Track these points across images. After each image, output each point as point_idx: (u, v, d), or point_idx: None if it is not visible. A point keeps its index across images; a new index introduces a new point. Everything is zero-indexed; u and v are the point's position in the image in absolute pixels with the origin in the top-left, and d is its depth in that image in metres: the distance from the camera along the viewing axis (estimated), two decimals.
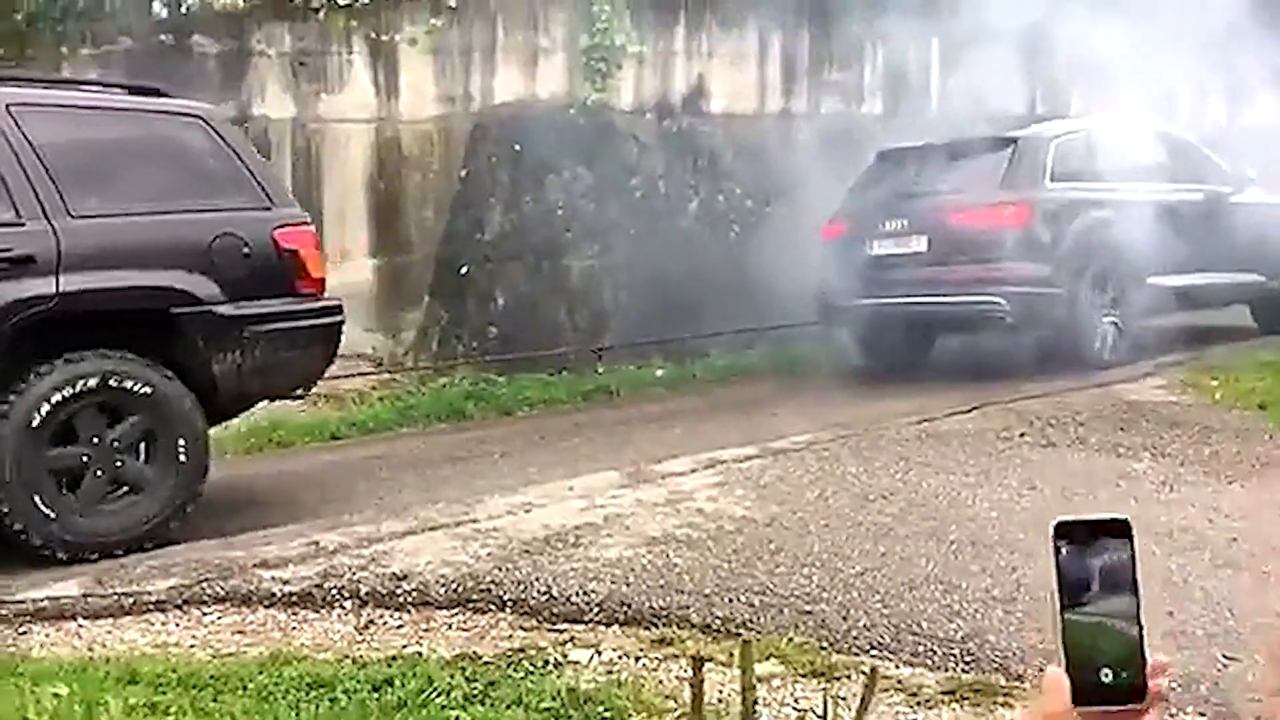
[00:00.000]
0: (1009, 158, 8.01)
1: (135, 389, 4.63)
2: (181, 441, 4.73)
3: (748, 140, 10.33)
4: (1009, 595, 3.65)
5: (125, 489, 4.68)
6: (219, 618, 3.75)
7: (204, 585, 3.95)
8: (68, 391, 4.50)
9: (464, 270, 9.18)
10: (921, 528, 4.34)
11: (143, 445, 4.73)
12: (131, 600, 3.87)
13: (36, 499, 4.42)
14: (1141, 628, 1.08)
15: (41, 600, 3.90)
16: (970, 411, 6.60)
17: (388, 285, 9.15)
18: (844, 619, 3.55)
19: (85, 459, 4.59)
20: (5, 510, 4.38)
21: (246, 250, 4.96)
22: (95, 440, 4.60)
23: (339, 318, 5.33)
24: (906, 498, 4.79)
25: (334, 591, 3.89)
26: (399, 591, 3.87)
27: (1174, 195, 8.46)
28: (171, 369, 4.76)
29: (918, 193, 8.18)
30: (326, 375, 8.43)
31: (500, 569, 4.02)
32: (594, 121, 9.59)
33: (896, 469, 5.29)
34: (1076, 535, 1.13)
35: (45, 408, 4.46)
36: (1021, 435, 5.93)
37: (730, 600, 3.69)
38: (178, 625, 3.70)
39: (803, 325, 9.03)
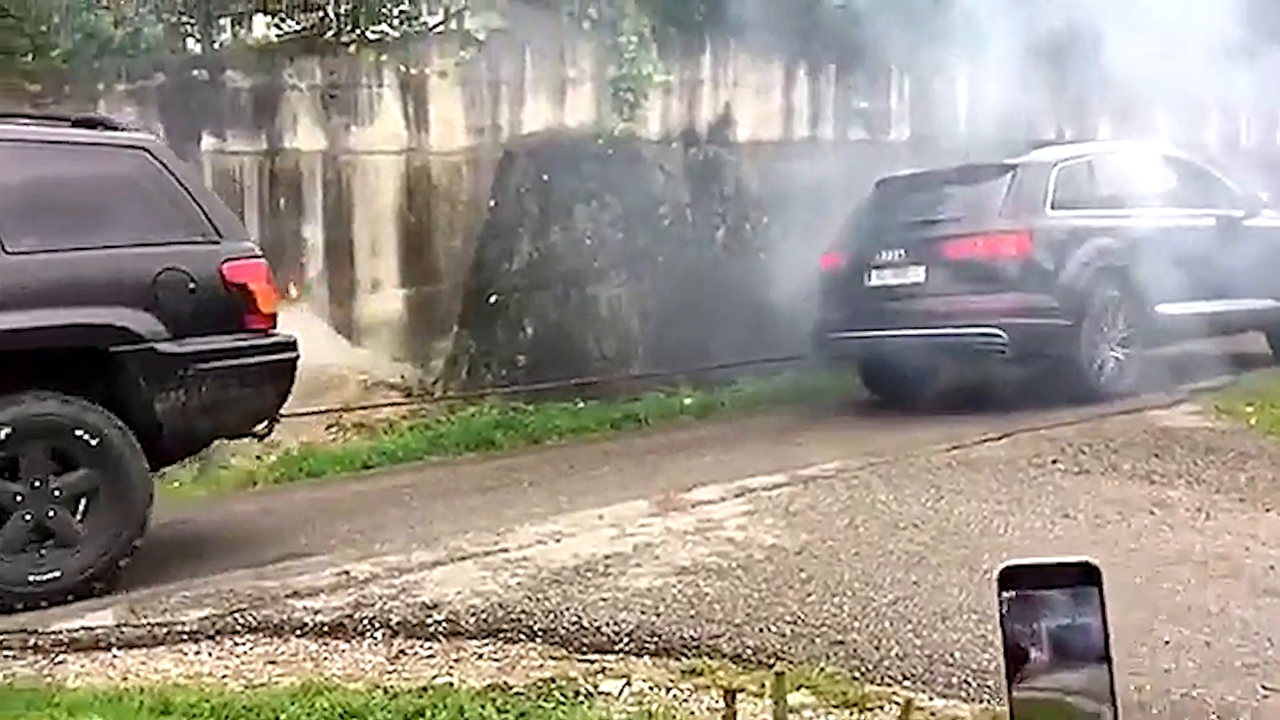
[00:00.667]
0: (1008, 185, 7.85)
1: (73, 434, 4.46)
2: (119, 495, 4.55)
3: (774, 168, 10.35)
4: None
5: (51, 540, 4.46)
6: (251, 648, 3.77)
7: (237, 615, 3.98)
8: (3, 433, 4.34)
9: (493, 299, 9.23)
10: (954, 556, 4.31)
11: (79, 497, 4.54)
12: (165, 630, 3.90)
13: None
14: (1116, 708, 0.84)
15: (76, 630, 3.94)
16: (1001, 439, 6.56)
17: (417, 315, 9.20)
18: (876, 649, 3.52)
19: (18, 499, 4.41)
20: None
21: (192, 285, 4.82)
22: (35, 484, 4.42)
23: (292, 354, 5.15)
24: (938, 526, 4.76)
25: (365, 621, 3.90)
26: (430, 621, 3.88)
27: (1183, 220, 8.30)
28: (113, 409, 4.61)
29: (915, 222, 8.05)
30: (358, 404, 8.61)
31: (530, 599, 4.02)
32: (621, 151, 9.64)
33: (927, 497, 5.27)
34: (1026, 583, 0.86)
35: None
36: (1054, 462, 5.89)
37: (761, 630, 3.67)
38: (210, 655, 3.73)
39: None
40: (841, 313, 8.28)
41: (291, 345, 5.16)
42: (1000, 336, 7.47)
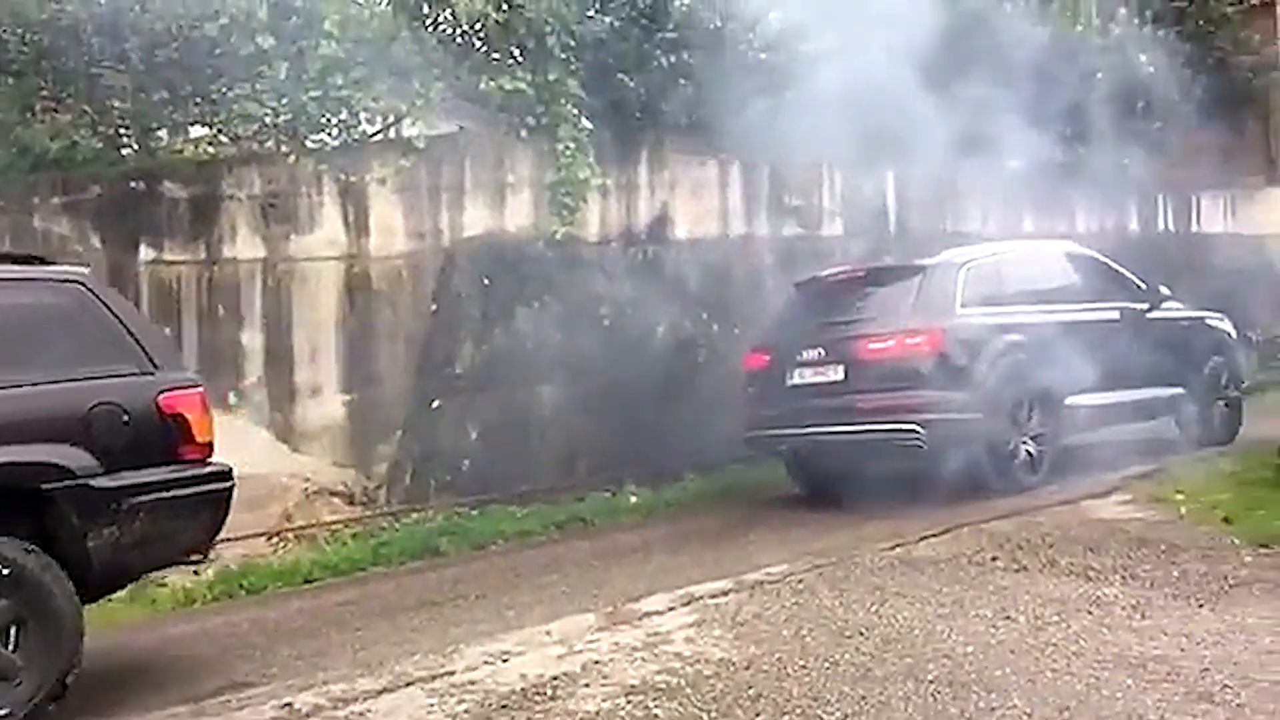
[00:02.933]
0: (919, 285, 8.10)
1: (7, 577, 4.38)
2: (46, 634, 4.45)
3: (712, 265, 10.57)
4: None
5: None
6: None
7: None
8: None
9: (435, 403, 9.22)
10: (899, 666, 4.35)
11: (10, 633, 4.42)
12: None
13: None
14: None
15: None
16: (943, 534, 6.68)
17: (359, 420, 9.15)
18: None
19: None
20: None
21: (126, 418, 4.77)
22: None
23: (228, 483, 5.09)
24: (882, 633, 4.80)
25: None
26: None
27: (1089, 314, 8.63)
28: (43, 545, 4.51)
29: (833, 322, 8.26)
30: (298, 517, 8.50)
31: None
32: (561, 253, 9.78)
33: (872, 600, 5.33)
34: None
35: None
36: (993, 559, 5.99)
37: None
38: None
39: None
40: (766, 411, 8.45)
41: (227, 474, 5.08)
42: (917, 433, 7.65)
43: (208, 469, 5.03)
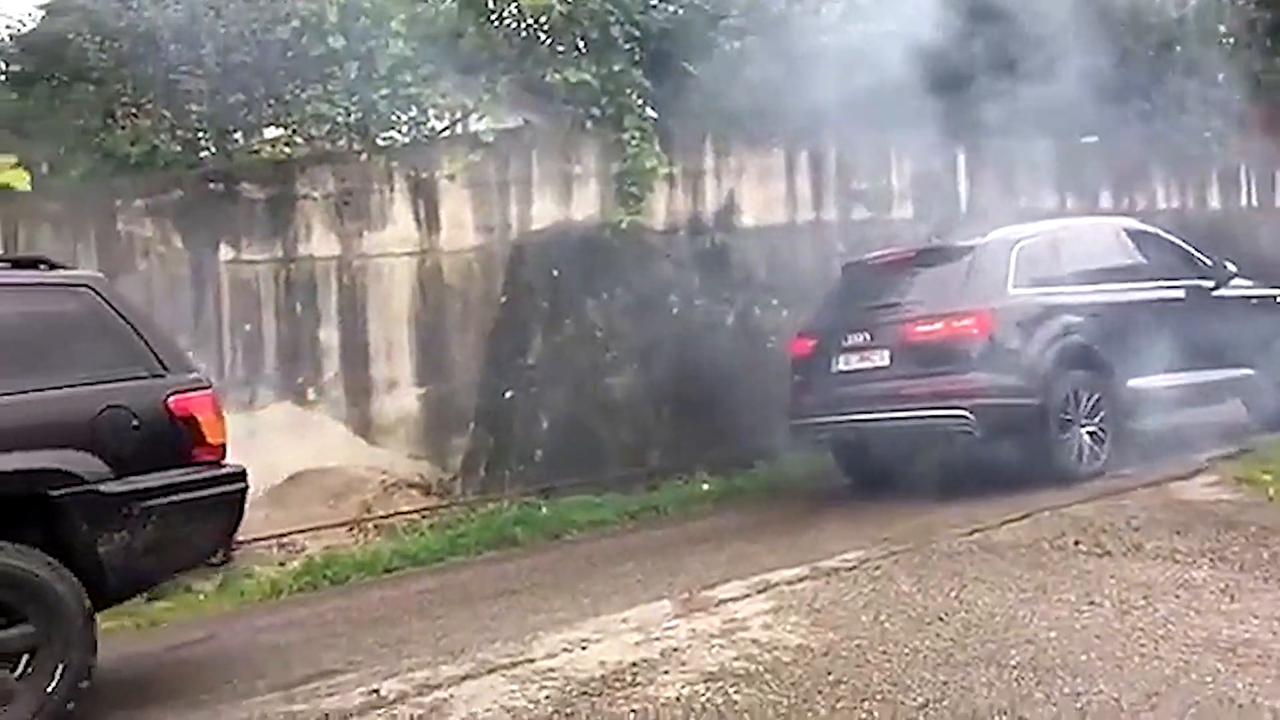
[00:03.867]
0: (968, 266, 7.84)
1: (19, 588, 4.30)
2: (61, 659, 4.33)
3: (780, 252, 10.52)
4: None
5: None
6: None
7: None
8: None
9: (508, 395, 9.32)
10: (981, 652, 4.31)
11: (19, 652, 4.32)
12: None
13: None
14: None
15: None
16: (1022, 519, 6.57)
17: (434, 413, 9.30)
18: None
19: None
20: None
21: (135, 422, 4.69)
22: None
23: (241, 484, 4.98)
24: (963, 619, 4.75)
25: None
26: None
27: (1151, 293, 8.31)
28: (54, 553, 4.43)
29: (879, 305, 8.06)
30: (378, 508, 8.65)
31: (560, 713, 4.02)
32: (629, 243, 9.82)
33: (951, 586, 5.27)
34: None
35: None
36: (1076, 544, 5.89)
37: None
38: None
39: None
40: (810, 398, 8.30)
41: (241, 476, 4.99)
42: (966, 418, 7.41)
43: (221, 471, 4.94)
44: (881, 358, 7.87)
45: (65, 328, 4.82)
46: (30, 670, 4.30)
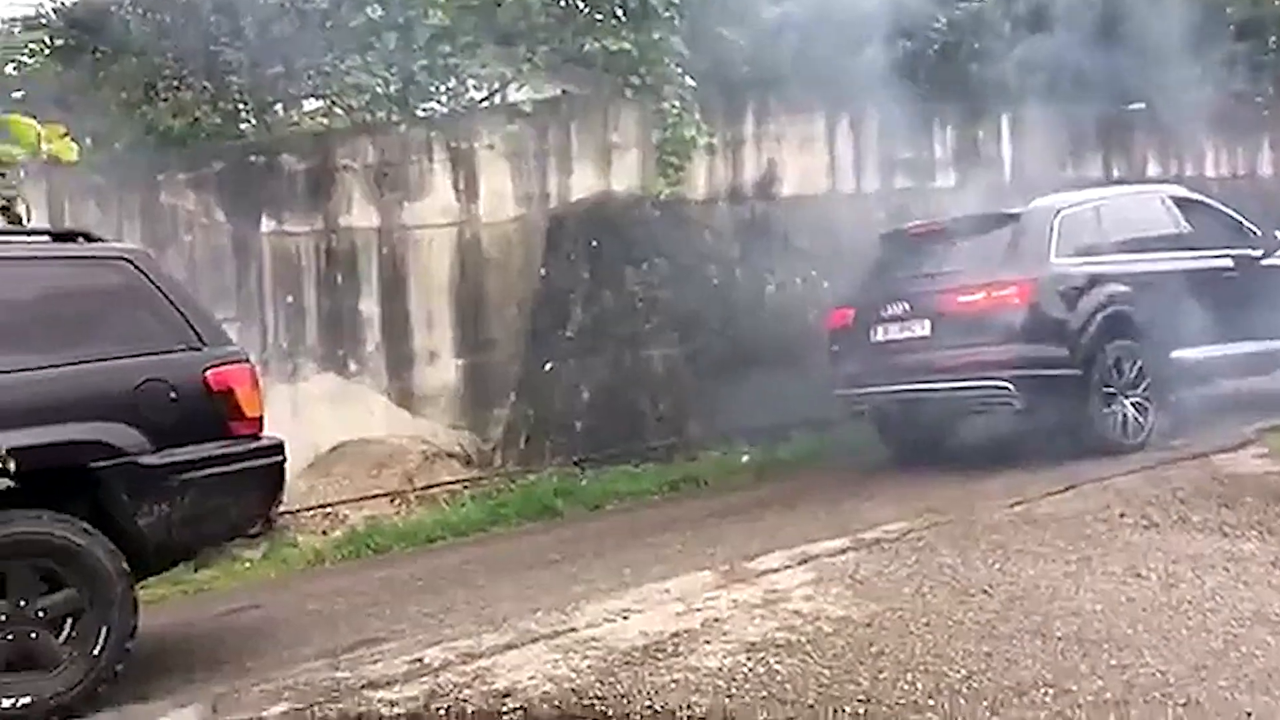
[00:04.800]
0: (1010, 235, 7.73)
1: (64, 555, 4.39)
2: (104, 622, 4.42)
3: (821, 222, 10.42)
4: (1121, 698, 3.56)
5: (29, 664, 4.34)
6: None
7: (315, 709, 4.04)
8: None
9: (548, 366, 9.34)
10: (1025, 624, 4.27)
11: (64, 618, 4.43)
12: None
13: None
14: None
15: None
16: (1065, 491, 6.51)
17: (474, 384, 9.35)
18: None
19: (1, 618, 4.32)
20: None
21: (174, 395, 4.73)
22: (20, 604, 4.33)
23: (278, 457, 5.00)
24: (1007, 591, 4.72)
25: (441, 712, 3.94)
26: (505, 710, 3.91)
27: (1196, 262, 8.15)
28: (95, 524, 4.50)
29: (919, 275, 7.97)
30: (419, 479, 8.72)
31: (602, 682, 4.04)
32: (668, 212, 9.78)
33: (994, 558, 5.23)
34: None
35: None
36: (1121, 516, 5.82)
37: (835, 711, 3.66)
38: None
39: None
40: (849, 369, 8.23)
41: (278, 449, 5.02)
42: (1008, 389, 7.33)
43: (259, 443, 4.97)
44: (922, 328, 7.79)
45: (104, 301, 4.85)
46: (75, 635, 4.40)
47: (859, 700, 3.72)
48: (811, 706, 3.70)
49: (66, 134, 1.40)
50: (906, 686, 3.80)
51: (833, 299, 9.47)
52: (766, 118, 10.47)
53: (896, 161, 11.04)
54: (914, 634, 4.27)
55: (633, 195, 9.81)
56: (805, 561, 5.49)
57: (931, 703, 3.65)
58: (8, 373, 4.46)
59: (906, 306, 7.90)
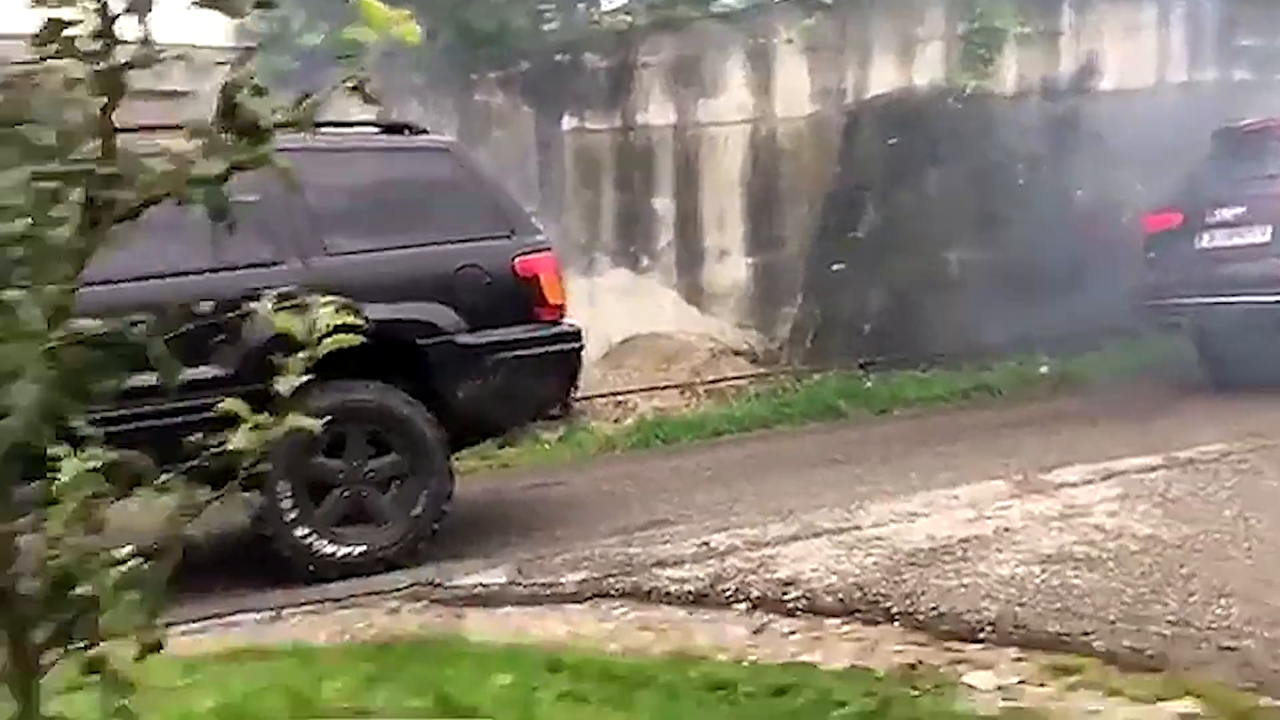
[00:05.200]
0: None
1: (392, 422, 4.75)
2: (424, 486, 4.80)
3: (1143, 118, 9.56)
4: None
5: (364, 517, 4.77)
6: (625, 613, 4.03)
7: (610, 580, 4.26)
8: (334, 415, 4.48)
9: (837, 266, 9.20)
10: None
11: (390, 480, 4.82)
12: (548, 591, 4.25)
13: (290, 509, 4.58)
14: None
15: (475, 587, 4.39)
16: None
17: (763, 283, 9.36)
18: (1274, 658, 3.25)
19: (340, 475, 4.72)
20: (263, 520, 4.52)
21: (488, 280, 5.02)
22: (355, 464, 4.74)
23: (577, 343, 5.27)
24: None
25: (727, 594, 4.06)
26: (788, 598, 3.97)
27: None
28: (418, 397, 4.83)
29: (1259, 176, 7.24)
30: (706, 374, 8.89)
31: (887, 580, 4.02)
32: (973, 109, 9.29)
33: None
34: None
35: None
36: None
37: (1138, 630, 3.47)
38: (589, 617, 4.02)
39: None
40: (1167, 277, 7.62)
41: (577, 335, 5.29)
42: None
43: (560, 328, 5.22)
44: (1262, 234, 7.15)
45: (428, 189, 5.21)
46: (398, 495, 4.84)
47: (1167, 621, 3.52)
48: (1113, 623, 3.54)
49: (410, 16, 1.47)
50: (1220, 611, 3.55)
51: (1149, 202, 8.76)
52: (1087, 4, 9.66)
53: (1236, 50, 9.93)
54: (1233, 558, 3.98)
55: (935, 90, 9.37)
56: (1109, 477, 5.21)
57: (1251, 630, 3.40)
58: (348, 254, 4.87)
59: (1242, 210, 7.25)
